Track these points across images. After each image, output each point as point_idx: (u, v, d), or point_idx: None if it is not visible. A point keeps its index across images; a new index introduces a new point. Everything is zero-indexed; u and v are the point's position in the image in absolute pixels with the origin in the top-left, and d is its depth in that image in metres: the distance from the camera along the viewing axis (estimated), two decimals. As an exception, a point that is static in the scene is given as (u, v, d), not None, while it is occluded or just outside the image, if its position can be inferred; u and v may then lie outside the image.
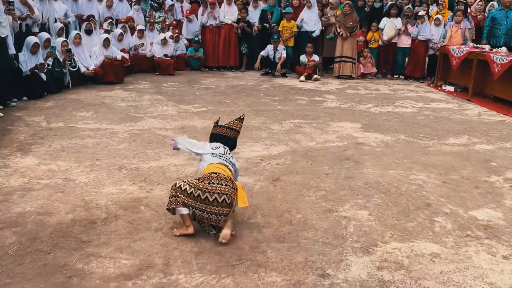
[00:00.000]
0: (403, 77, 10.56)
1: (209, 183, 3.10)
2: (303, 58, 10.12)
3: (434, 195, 4.07)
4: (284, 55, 10.13)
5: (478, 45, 9.13)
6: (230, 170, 3.35)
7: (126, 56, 9.17)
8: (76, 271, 2.78)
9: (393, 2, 10.86)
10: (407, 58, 10.48)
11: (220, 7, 10.55)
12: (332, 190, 4.11)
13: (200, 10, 10.57)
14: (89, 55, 8.55)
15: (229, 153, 3.52)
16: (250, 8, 10.73)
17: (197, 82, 9.20)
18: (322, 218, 3.57)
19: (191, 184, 3.12)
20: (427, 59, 10.67)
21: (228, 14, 10.50)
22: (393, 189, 4.17)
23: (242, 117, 3.69)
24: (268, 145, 5.35)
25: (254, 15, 10.70)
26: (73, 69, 8.00)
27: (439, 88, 9.49)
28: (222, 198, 3.08)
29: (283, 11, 10.52)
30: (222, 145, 3.52)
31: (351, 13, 10.00)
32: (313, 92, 8.67)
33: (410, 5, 10.84)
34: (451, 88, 9.19)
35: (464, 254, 3.10)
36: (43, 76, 7.31)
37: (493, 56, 7.86)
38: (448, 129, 6.32)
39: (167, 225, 3.38)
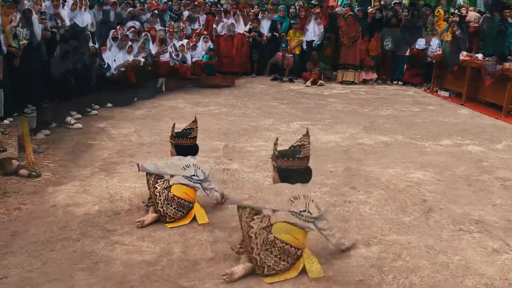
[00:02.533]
0: (401, 82, 10.48)
1: (169, 206, 3.24)
2: (309, 65, 10.10)
3: (429, 192, 4.05)
4: (291, 62, 10.10)
5: (471, 54, 9.05)
6: (195, 190, 3.38)
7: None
8: (102, 257, 2.82)
9: (393, 13, 10.77)
10: (405, 65, 10.43)
11: (233, 18, 10.54)
12: (336, 186, 4.11)
13: (216, 20, 10.59)
14: (114, 60, 8.59)
15: (199, 168, 3.38)
16: (261, 18, 10.73)
17: (212, 87, 9.20)
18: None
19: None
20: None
21: (241, 24, 10.51)
22: (392, 186, 4.16)
23: (195, 120, 3.55)
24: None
25: (264, 25, 10.69)
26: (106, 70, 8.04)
27: (435, 93, 9.42)
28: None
29: (291, 22, 10.50)
30: (193, 161, 3.38)
31: (353, 23, 9.97)
32: (318, 96, 8.64)
33: (408, 17, 10.75)
34: (446, 94, 9.11)
35: (457, 247, 3.10)
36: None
37: (485, 64, 7.80)
38: (443, 131, 6.27)
39: (184, 216, 3.38)
